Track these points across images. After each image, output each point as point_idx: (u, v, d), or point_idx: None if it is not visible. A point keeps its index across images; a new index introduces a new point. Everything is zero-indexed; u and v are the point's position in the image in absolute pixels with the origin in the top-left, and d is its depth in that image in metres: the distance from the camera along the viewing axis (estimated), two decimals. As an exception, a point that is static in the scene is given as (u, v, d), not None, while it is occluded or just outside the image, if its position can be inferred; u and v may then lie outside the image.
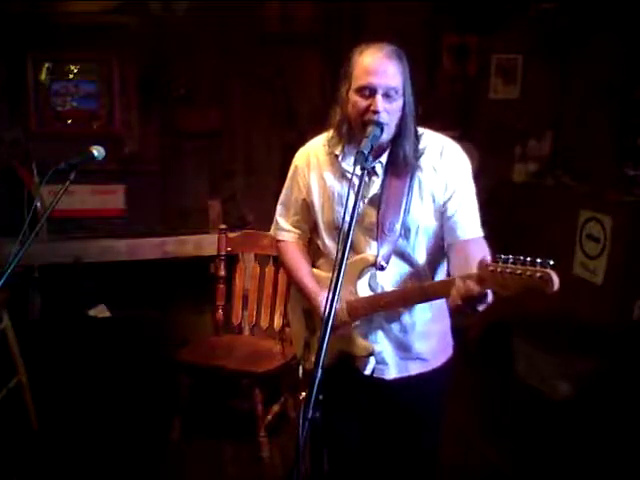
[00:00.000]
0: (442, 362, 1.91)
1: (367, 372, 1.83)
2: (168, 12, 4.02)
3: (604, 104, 4.00)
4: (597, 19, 3.95)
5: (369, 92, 1.63)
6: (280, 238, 1.99)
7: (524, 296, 1.38)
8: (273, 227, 2.02)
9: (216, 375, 3.05)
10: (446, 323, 1.93)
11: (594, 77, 4.01)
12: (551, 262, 1.32)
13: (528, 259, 1.35)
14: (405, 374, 1.85)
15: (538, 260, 1.34)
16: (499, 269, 1.38)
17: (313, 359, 1.87)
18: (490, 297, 1.49)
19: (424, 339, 1.84)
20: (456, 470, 2.78)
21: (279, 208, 1.99)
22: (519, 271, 1.35)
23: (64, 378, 3.44)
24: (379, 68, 1.62)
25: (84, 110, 4.07)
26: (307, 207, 1.89)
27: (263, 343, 3.07)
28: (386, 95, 1.63)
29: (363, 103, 1.64)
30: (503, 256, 1.39)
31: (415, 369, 1.85)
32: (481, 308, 1.50)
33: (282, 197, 1.98)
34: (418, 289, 1.71)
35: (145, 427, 3.13)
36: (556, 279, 1.30)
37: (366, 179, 1.74)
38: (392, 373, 1.84)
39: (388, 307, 1.76)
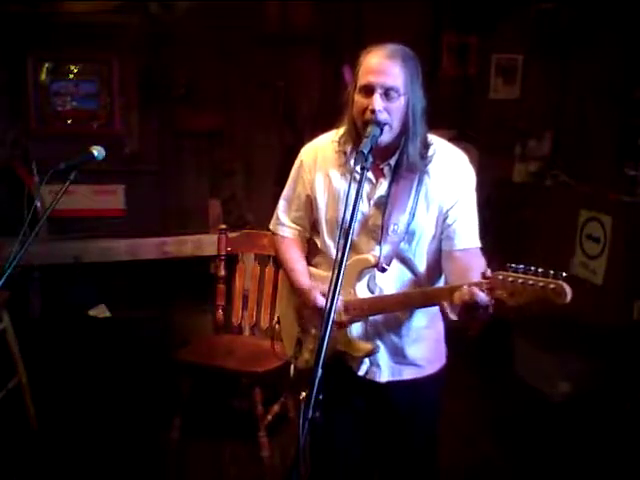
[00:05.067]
0: (436, 369, 1.90)
1: (361, 373, 1.83)
2: (168, 12, 4.03)
3: (604, 104, 3.99)
4: (597, 19, 3.95)
5: (369, 91, 1.63)
6: (279, 233, 1.98)
7: (532, 307, 1.38)
8: (273, 221, 2.00)
9: (216, 375, 3.05)
10: (439, 330, 1.92)
11: (594, 77, 4.01)
12: (564, 274, 1.32)
13: (540, 270, 1.34)
14: (398, 378, 1.85)
15: (551, 271, 1.33)
16: (510, 278, 1.38)
17: (305, 357, 1.88)
18: (491, 308, 1.49)
19: (417, 344, 1.84)
20: (456, 469, 2.78)
21: (281, 203, 1.97)
22: (531, 281, 1.35)
23: (64, 378, 3.44)
24: (379, 67, 1.63)
25: (84, 110, 4.07)
26: (310, 204, 1.88)
27: (263, 343, 3.07)
28: (386, 94, 1.62)
29: (363, 102, 1.65)
30: (514, 265, 1.39)
31: (409, 374, 1.85)
32: (480, 317, 1.50)
33: (285, 192, 1.96)
34: (420, 293, 1.70)
35: (145, 427, 3.13)
36: (569, 291, 1.30)
37: (373, 180, 1.75)
38: (384, 376, 1.84)
39: (388, 310, 1.76)
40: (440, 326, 1.91)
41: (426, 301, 1.68)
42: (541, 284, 1.33)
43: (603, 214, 3.48)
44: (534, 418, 3.32)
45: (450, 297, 1.52)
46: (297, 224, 1.95)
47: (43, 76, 3.98)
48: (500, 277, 1.40)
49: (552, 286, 1.31)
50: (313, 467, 1.97)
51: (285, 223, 1.96)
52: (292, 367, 1.92)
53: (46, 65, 3.97)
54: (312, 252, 1.94)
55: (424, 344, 1.86)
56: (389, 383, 1.84)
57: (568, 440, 3.09)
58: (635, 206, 3.41)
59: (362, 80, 1.65)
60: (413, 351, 1.84)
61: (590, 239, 3.56)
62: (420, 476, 1.98)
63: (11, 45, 3.86)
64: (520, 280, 1.36)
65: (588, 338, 3.41)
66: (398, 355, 1.83)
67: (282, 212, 1.97)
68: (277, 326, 2.06)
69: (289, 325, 1.99)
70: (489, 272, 1.44)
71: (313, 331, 1.86)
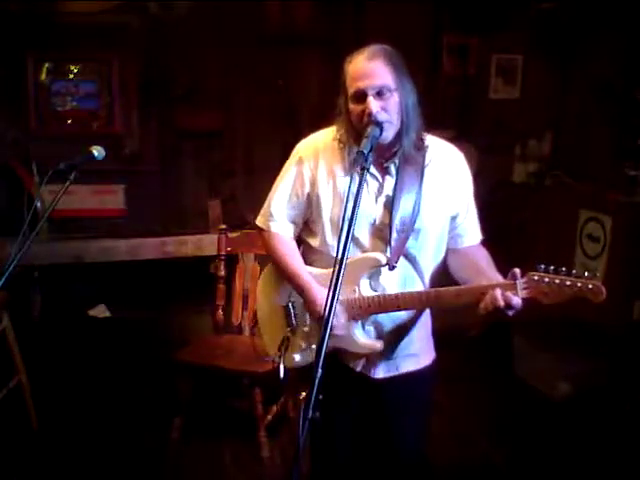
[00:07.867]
0: (430, 361, 1.94)
1: (359, 369, 1.84)
2: (168, 12, 4.03)
3: (604, 104, 3.99)
4: (597, 19, 3.95)
5: (361, 97, 1.64)
6: (272, 229, 1.88)
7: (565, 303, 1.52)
8: (263, 217, 1.90)
9: (216, 375, 3.05)
10: (429, 325, 1.97)
11: (594, 77, 4.02)
12: (597, 274, 1.52)
13: (574, 271, 1.51)
14: (394, 373, 1.87)
15: (586, 273, 1.50)
16: (546, 279, 1.52)
17: (295, 357, 1.86)
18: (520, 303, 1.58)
19: (413, 336, 1.87)
20: (455, 469, 2.78)
21: (275, 199, 1.88)
22: (568, 282, 1.50)
23: (64, 378, 3.44)
24: (364, 71, 1.64)
25: (84, 110, 4.07)
26: (309, 202, 1.83)
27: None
28: (379, 94, 1.63)
29: (359, 109, 1.66)
30: (543, 266, 1.53)
31: (405, 367, 1.87)
32: (511, 313, 1.58)
33: (280, 188, 1.88)
34: (453, 292, 1.68)
35: (145, 427, 3.13)
36: (604, 290, 1.47)
37: (380, 179, 1.75)
38: (379, 373, 1.85)
39: (401, 308, 1.75)
40: (429, 320, 1.96)
41: (459, 301, 1.68)
42: (579, 285, 1.49)
43: (603, 214, 3.48)
44: (534, 418, 3.32)
45: (478, 298, 1.61)
46: (292, 222, 1.88)
47: (43, 76, 3.98)
48: (536, 278, 1.53)
49: (591, 286, 1.48)
50: (313, 467, 1.97)
51: (279, 220, 1.87)
52: (281, 368, 1.83)
53: (46, 65, 3.97)
54: (307, 252, 1.89)
55: (419, 335, 1.89)
56: (385, 379, 1.85)
57: (568, 440, 3.08)
58: (635, 206, 3.41)
59: (351, 89, 1.66)
60: (408, 342, 1.86)
61: (590, 239, 3.56)
62: (410, 473, 1.98)
63: (11, 45, 3.85)
64: (557, 281, 1.50)
65: (588, 338, 3.41)
66: (394, 350, 1.84)
67: (276, 208, 1.87)
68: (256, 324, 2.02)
69: (271, 323, 1.92)
70: (519, 273, 1.56)
71: (305, 329, 1.85)
